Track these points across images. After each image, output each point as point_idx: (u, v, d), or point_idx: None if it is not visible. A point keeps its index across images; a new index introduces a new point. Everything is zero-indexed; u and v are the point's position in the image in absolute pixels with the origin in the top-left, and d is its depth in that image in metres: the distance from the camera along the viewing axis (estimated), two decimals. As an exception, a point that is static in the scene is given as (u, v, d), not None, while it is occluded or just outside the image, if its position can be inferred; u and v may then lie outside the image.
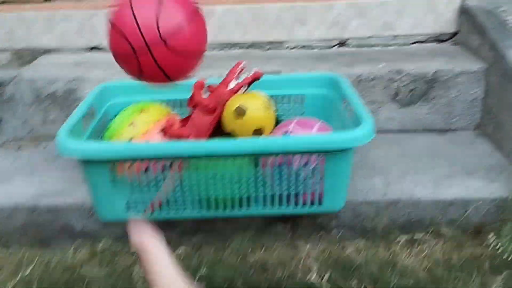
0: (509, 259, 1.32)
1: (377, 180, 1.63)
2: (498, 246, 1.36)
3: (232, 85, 1.56)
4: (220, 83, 1.60)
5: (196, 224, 1.54)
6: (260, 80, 1.68)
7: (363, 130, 1.34)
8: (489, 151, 1.81)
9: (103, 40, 2.25)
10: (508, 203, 1.46)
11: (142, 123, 1.52)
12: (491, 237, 1.40)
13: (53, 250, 1.53)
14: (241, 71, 1.60)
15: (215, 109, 1.53)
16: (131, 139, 1.47)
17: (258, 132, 1.48)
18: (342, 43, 2.28)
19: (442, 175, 1.64)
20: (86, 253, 1.47)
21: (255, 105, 1.49)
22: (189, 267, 1.38)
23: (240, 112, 1.47)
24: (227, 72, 1.65)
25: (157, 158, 1.33)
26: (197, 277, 1.34)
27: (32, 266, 1.44)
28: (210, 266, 1.39)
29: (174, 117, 1.61)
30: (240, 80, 1.58)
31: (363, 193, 1.57)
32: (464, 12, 2.15)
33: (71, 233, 1.55)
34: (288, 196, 1.43)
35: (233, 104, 1.50)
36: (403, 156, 1.78)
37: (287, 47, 2.29)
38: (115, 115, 1.61)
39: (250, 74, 1.60)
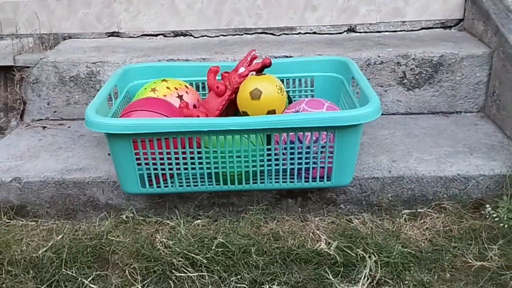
0: (505, 226, 1.41)
1: (383, 158, 1.72)
2: (495, 217, 1.44)
3: (241, 70, 1.66)
4: (233, 69, 1.70)
5: (212, 198, 1.64)
6: (274, 63, 1.77)
7: (371, 108, 1.42)
8: (492, 131, 1.89)
9: (121, 26, 2.36)
10: (507, 179, 1.54)
11: (163, 88, 1.72)
12: (489, 209, 1.48)
13: (80, 221, 1.65)
14: (252, 59, 1.70)
15: (225, 92, 1.64)
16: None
17: (271, 113, 1.57)
18: (351, 29, 2.36)
19: (445, 154, 1.73)
20: (111, 223, 1.58)
21: (270, 89, 1.57)
22: (207, 236, 1.49)
23: (256, 95, 1.56)
24: (241, 56, 1.75)
25: (176, 134, 1.43)
26: (214, 244, 1.44)
27: (61, 235, 1.55)
28: (226, 235, 1.49)
29: (191, 91, 1.76)
30: (249, 67, 1.68)
31: (370, 170, 1.66)
32: (470, -1, 2.22)
33: (96, 205, 1.66)
34: (299, 171, 1.53)
35: (249, 86, 1.59)
36: (408, 137, 1.87)
37: (299, 33, 2.37)
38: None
39: (260, 61, 1.70)
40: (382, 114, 2.04)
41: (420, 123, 1.98)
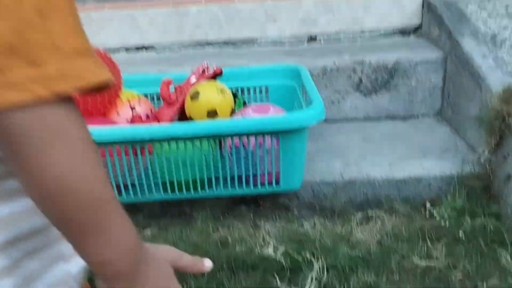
0: (447, 225, 1.40)
1: (337, 162, 1.71)
2: (435, 217, 1.44)
3: (192, 80, 1.67)
4: (185, 80, 1.72)
5: (164, 207, 1.63)
6: (229, 72, 1.78)
7: (313, 111, 1.42)
8: (448, 134, 1.89)
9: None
10: (455, 179, 1.54)
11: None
12: (434, 210, 1.48)
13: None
14: (204, 70, 1.71)
15: (176, 102, 1.64)
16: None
17: (211, 114, 1.57)
18: (312, 39, 2.37)
19: (399, 157, 1.72)
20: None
21: (208, 90, 1.59)
22: (154, 245, 1.47)
23: (194, 96, 1.57)
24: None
25: (121, 142, 1.42)
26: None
27: None
28: (174, 244, 1.47)
29: (144, 102, 1.74)
30: (200, 76, 1.69)
31: (322, 174, 1.65)
32: (426, 5, 2.24)
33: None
34: (247, 177, 1.52)
35: (191, 90, 1.62)
36: (364, 141, 1.87)
37: (260, 44, 2.39)
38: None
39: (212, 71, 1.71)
40: (340, 120, 2.07)
41: (378, 128, 1.98)
